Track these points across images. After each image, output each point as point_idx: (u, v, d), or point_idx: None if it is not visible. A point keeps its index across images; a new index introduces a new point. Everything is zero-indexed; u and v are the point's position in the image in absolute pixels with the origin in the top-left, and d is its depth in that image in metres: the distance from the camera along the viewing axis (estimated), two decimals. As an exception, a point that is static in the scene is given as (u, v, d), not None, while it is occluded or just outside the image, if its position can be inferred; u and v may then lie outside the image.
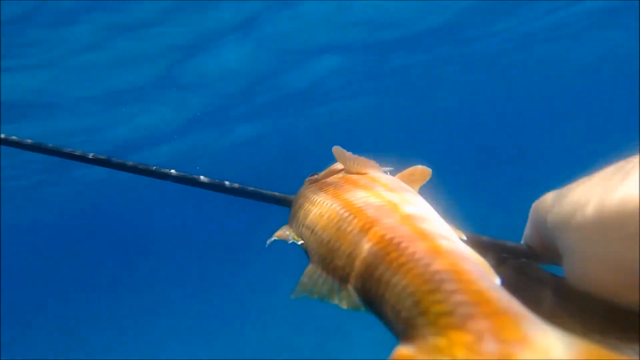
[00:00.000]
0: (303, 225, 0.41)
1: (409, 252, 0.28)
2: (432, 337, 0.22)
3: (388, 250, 0.29)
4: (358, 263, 0.31)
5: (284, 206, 0.53)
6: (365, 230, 0.32)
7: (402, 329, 0.25)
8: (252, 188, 0.55)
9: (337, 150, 0.46)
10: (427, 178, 0.44)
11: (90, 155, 0.61)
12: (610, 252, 0.29)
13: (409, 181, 0.43)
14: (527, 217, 0.42)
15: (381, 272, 0.28)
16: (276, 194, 0.55)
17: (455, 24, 7.62)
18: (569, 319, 0.33)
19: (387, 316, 0.27)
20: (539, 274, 0.38)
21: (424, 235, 0.30)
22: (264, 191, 0.55)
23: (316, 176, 0.50)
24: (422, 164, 0.46)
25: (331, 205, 0.38)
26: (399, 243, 0.29)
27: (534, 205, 0.40)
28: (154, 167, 0.59)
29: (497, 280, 0.28)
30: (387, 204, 0.35)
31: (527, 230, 0.42)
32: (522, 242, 0.43)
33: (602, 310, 0.32)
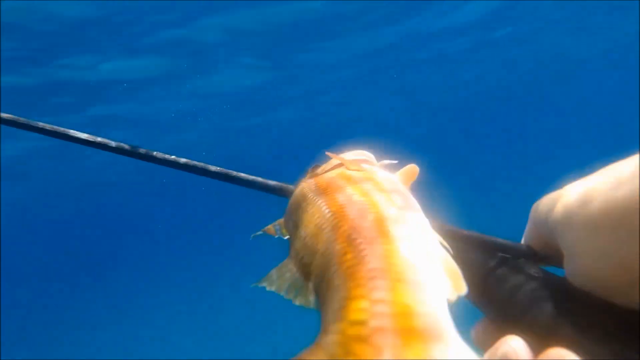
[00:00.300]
0: (291, 219, 0.41)
1: (362, 254, 0.27)
2: (332, 347, 0.21)
3: (346, 250, 0.28)
4: (320, 261, 0.30)
5: (284, 196, 0.52)
6: (336, 228, 0.32)
7: (320, 334, 0.24)
8: (252, 176, 0.54)
9: (331, 154, 0.46)
10: (415, 177, 0.43)
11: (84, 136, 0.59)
12: (612, 250, 0.29)
13: (405, 180, 0.43)
14: (526, 216, 0.42)
15: (332, 272, 0.28)
16: (277, 183, 0.54)
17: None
18: (567, 318, 0.33)
19: (322, 319, 0.26)
20: (539, 274, 0.38)
21: (387, 239, 0.28)
22: (263, 180, 0.54)
23: (318, 169, 0.49)
24: (421, 161, 0.45)
25: (317, 200, 0.38)
26: (359, 244, 0.28)
27: (534, 205, 0.40)
28: (145, 151, 0.57)
29: (459, 290, 0.26)
30: (369, 203, 0.34)
31: (528, 230, 0.42)
32: (522, 241, 0.43)
33: (602, 309, 0.32)
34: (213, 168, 0.56)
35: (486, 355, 0.35)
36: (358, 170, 0.42)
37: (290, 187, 0.52)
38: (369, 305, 0.22)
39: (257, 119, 11.32)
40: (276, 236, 0.43)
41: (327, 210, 0.35)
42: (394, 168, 0.60)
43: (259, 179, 0.54)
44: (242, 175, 0.55)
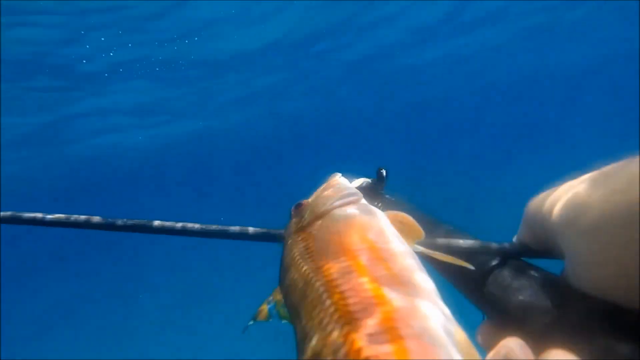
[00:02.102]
0: (288, 298, 0.39)
1: None
2: None
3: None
4: None
5: (274, 242, 0.50)
6: (344, 334, 0.30)
7: None
8: (235, 228, 0.52)
9: (332, 185, 0.45)
10: (418, 239, 0.41)
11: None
12: (613, 255, 0.29)
13: (401, 229, 0.40)
14: (517, 214, 0.42)
15: None
16: (264, 230, 0.51)
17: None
18: (568, 318, 0.33)
19: None
20: (538, 274, 0.38)
21: (396, 339, 0.28)
22: (245, 228, 0.52)
23: (303, 220, 0.45)
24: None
25: (315, 282, 0.36)
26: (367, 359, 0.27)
27: (529, 204, 0.40)
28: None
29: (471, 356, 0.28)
30: (372, 293, 0.32)
31: (522, 230, 0.42)
32: (515, 240, 0.43)
33: (601, 310, 0.32)
34: (158, 224, 0.54)
35: (488, 357, 0.35)
36: (348, 220, 0.40)
37: (278, 232, 0.49)
38: None
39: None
40: (270, 320, 0.41)
41: (328, 303, 0.33)
42: (371, 188, 0.58)
43: (240, 229, 0.52)
44: (221, 228, 0.53)
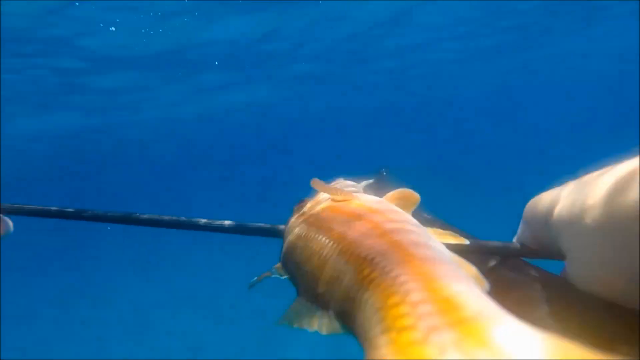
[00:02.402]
0: (290, 261, 0.40)
1: (381, 266, 0.27)
2: (391, 357, 0.20)
3: (362, 267, 0.28)
4: (337, 287, 0.30)
5: (276, 237, 0.51)
6: (343, 252, 0.31)
7: (367, 350, 0.23)
8: (235, 222, 0.53)
9: (316, 182, 0.45)
10: (416, 203, 0.42)
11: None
12: (617, 256, 0.29)
13: (399, 204, 0.42)
14: (515, 215, 0.42)
15: (355, 292, 0.28)
16: (264, 225, 0.53)
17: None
18: (568, 318, 0.33)
19: (359, 337, 0.26)
20: (538, 274, 0.38)
21: (399, 247, 0.29)
22: (251, 224, 0.53)
23: (304, 209, 0.47)
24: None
25: (315, 235, 0.37)
26: (372, 259, 0.28)
27: (529, 205, 0.40)
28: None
29: (481, 285, 0.27)
30: (367, 224, 0.34)
31: (522, 229, 0.42)
32: (515, 240, 0.43)
33: (602, 309, 0.32)
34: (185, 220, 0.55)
35: None
36: (344, 200, 0.41)
37: (280, 227, 0.51)
38: (411, 309, 0.22)
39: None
40: (272, 275, 0.43)
41: (327, 241, 0.34)
42: (374, 187, 0.59)
43: (244, 224, 0.53)
44: (226, 223, 0.54)
